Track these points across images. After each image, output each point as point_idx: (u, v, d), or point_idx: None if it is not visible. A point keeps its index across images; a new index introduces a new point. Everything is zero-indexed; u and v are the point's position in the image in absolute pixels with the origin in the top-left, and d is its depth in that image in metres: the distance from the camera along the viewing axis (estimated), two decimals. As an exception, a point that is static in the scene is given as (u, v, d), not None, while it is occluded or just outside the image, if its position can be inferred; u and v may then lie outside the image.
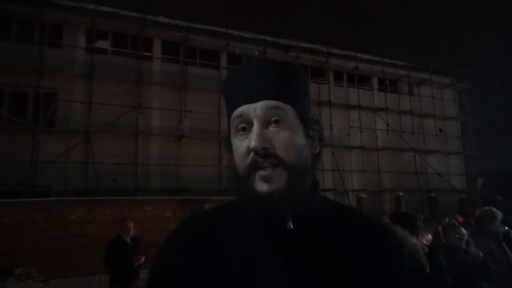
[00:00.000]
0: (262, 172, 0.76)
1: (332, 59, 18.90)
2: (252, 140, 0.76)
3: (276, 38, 18.56)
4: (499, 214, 3.82)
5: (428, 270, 2.45)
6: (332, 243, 0.79)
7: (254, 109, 0.79)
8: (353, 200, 16.66)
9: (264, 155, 0.76)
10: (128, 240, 5.47)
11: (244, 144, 0.79)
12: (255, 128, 0.77)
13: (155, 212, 10.65)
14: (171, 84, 15.28)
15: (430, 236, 5.53)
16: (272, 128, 0.78)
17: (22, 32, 13.68)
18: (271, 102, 0.79)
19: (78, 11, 14.28)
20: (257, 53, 17.04)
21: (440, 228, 3.75)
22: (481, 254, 3.38)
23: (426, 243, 4.50)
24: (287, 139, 0.78)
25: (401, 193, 17.88)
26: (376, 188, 18.22)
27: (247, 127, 0.80)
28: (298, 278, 0.74)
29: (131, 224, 5.58)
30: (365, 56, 20.35)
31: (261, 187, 0.76)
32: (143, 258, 5.26)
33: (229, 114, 0.85)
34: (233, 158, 0.83)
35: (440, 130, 21.20)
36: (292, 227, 0.77)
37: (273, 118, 0.79)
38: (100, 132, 13.34)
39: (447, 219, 4.05)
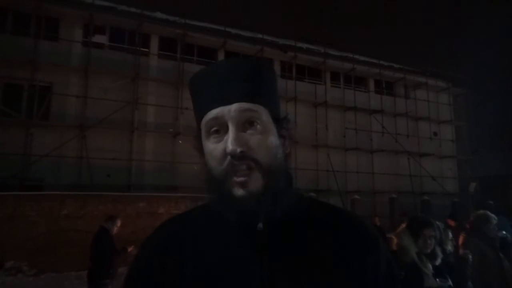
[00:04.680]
0: (238, 179, 0.75)
1: (329, 60, 18.93)
2: (229, 143, 0.74)
3: (274, 38, 18.55)
4: (494, 218, 3.84)
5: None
6: (307, 241, 0.79)
7: (229, 112, 0.77)
8: (347, 201, 16.71)
9: (241, 158, 0.74)
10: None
11: (219, 147, 0.77)
12: (231, 131, 0.76)
13: (148, 208, 10.61)
14: (167, 81, 15.23)
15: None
16: (247, 131, 0.78)
17: (18, 25, 13.55)
18: (245, 105, 0.78)
19: (75, 4, 14.16)
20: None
21: None
22: (470, 257, 3.39)
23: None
24: (262, 141, 0.78)
25: (394, 195, 17.96)
26: (370, 190, 18.30)
27: (220, 130, 0.78)
28: (273, 278, 0.74)
29: (119, 223, 5.62)
30: (362, 58, 20.42)
31: (238, 192, 0.75)
32: (132, 247, 5.24)
33: (199, 116, 0.83)
34: (206, 161, 0.81)
35: (435, 134, 21.33)
36: (262, 227, 0.77)
37: (248, 120, 0.78)
38: (95, 127, 13.25)
39: None
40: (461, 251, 3.62)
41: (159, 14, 16.50)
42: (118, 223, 5.59)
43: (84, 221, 9.66)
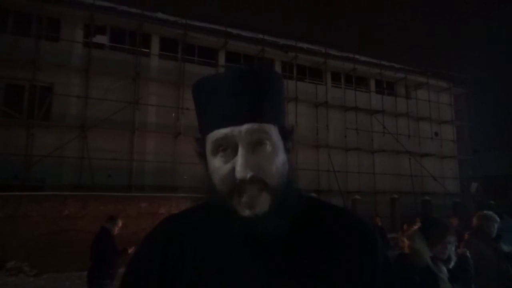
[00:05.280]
0: (245, 199, 0.74)
1: (330, 60, 18.93)
2: (238, 168, 0.72)
3: (275, 38, 18.55)
4: (496, 218, 3.84)
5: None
6: (305, 244, 0.79)
7: (239, 133, 0.74)
8: (347, 201, 16.70)
9: (250, 182, 0.73)
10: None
11: (227, 167, 0.75)
12: (241, 154, 0.73)
13: (149, 209, 10.61)
14: (168, 81, 15.23)
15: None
16: (257, 151, 0.75)
17: (19, 25, 13.57)
18: (256, 125, 0.75)
19: (76, 5, 14.19)
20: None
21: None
22: (468, 254, 3.36)
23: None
24: (272, 161, 0.76)
25: (395, 195, 17.92)
26: (371, 190, 18.29)
27: (228, 149, 0.75)
28: (271, 282, 0.74)
29: (120, 224, 5.64)
30: (363, 58, 20.40)
31: (244, 212, 0.74)
32: (133, 247, 5.22)
33: (205, 131, 0.79)
34: (210, 175, 0.79)
35: (436, 134, 21.31)
36: (261, 233, 0.76)
37: (258, 141, 0.75)
38: (96, 127, 13.27)
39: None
40: (459, 250, 3.62)
41: (160, 15, 16.52)
42: (119, 223, 5.61)
43: (85, 221, 9.66)
